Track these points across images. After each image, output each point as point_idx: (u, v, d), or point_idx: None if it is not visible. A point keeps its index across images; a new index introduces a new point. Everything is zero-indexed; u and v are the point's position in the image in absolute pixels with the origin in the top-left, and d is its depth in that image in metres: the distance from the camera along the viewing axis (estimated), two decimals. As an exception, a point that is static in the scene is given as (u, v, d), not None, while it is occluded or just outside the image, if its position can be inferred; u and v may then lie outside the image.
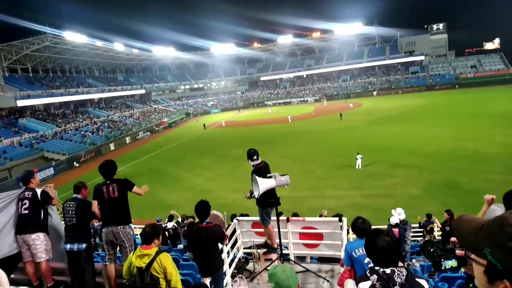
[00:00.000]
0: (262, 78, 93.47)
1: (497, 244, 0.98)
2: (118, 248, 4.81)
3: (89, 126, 49.07)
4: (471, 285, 2.02)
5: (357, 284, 2.13)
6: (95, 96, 61.60)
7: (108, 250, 4.78)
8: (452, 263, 1.90)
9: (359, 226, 3.60)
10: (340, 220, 5.32)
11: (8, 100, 42.16)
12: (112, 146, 42.55)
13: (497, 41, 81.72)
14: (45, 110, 50.80)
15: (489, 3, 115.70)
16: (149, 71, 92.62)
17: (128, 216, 4.78)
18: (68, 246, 4.67)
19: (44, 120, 46.14)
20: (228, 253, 5.09)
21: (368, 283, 2.04)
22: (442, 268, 1.93)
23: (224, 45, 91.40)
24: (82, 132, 44.59)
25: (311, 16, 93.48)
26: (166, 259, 3.46)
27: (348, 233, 6.17)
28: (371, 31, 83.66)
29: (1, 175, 28.70)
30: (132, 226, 7.92)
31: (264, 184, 4.41)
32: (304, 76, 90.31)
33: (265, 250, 5.34)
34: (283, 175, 4.52)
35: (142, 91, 76.67)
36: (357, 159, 20.99)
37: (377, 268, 2.07)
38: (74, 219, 4.66)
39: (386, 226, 8.27)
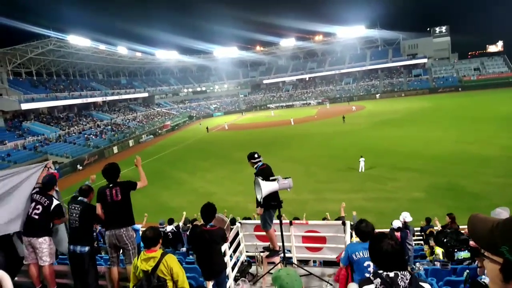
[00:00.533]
0: (265, 81, 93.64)
1: None
2: (121, 251, 4.82)
3: (93, 129, 49.30)
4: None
5: (360, 287, 2.12)
6: (99, 99, 61.91)
7: (111, 253, 4.79)
8: (465, 254, 1.88)
9: (363, 229, 3.60)
10: (343, 224, 5.31)
11: (13, 103, 42.52)
12: (115, 149, 42.71)
13: (500, 43, 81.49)
14: (49, 113, 51.14)
15: (492, 6, 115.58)
16: (152, 75, 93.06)
17: (131, 219, 4.79)
18: (71, 247, 4.69)
19: (48, 123, 46.45)
20: (231, 256, 5.09)
21: (371, 286, 2.03)
22: (455, 258, 1.92)
23: (226, 48, 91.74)
24: (85, 135, 44.81)
25: (314, 19, 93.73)
26: (172, 260, 3.48)
27: (351, 236, 6.15)
28: (374, 34, 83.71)
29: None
30: (139, 227, 7.94)
31: (267, 187, 4.39)
32: (307, 79, 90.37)
33: (267, 253, 5.33)
34: (286, 178, 4.51)
35: (145, 94, 77.02)
36: (360, 162, 20.96)
37: (380, 271, 2.07)
38: (77, 222, 4.67)
39: (388, 230, 8.24)
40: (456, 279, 5.20)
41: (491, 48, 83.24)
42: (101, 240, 8.25)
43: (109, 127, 52.36)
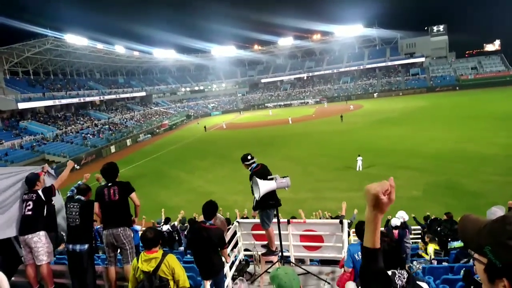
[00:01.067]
0: (263, 80, 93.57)
1: (498, 242, 0.99)
2: (118, 251, 4.81)
3: (90, 128, 49.12)
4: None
5: (358, 286, 2.12)
6: (96, 98, 61.68)
7: (108, 253, 4.78)
8: (458, 244, 1.89)
9: (363, 229, 3.59)
10: (341, 222, 5.32)
11: (9, 103, 42.25)
12: (113, 149, 42.58)
13: (497, 42, 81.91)
14: (46, 113, 50.92)
15: (490, 5, 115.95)
16: (150, 74, 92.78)
17: (128, 219, 4.79)
18: (70, 246, 4.67)
19: (45, 123, 46.24)
20: (228, 255, 5.08)
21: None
22: (448, 247, 1.93)
23: (224, 47, 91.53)
24: (83, 135, 44.64)
25: (312, 18, 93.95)
26: (173, 260, 3.49)
27: (349, 235, 6.16)
28: (372, 33, 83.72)
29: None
30: (138, 228, 7.92)
31: (264, 186, 4.38)
32: (305, 78, 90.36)
33: (264, 252, 5.33)
34: (283, 177, 4.51)
35: (143, 94, 76.84)
36: (357, 161, 20.98)
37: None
38: (77, 220, 4.66)
39: (385, 228, 8.26)
40: (453, 277, 5.23)
41: (489, 47, 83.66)
42: (99, 239, 8.24)
43: (107, 126, 52.18)
